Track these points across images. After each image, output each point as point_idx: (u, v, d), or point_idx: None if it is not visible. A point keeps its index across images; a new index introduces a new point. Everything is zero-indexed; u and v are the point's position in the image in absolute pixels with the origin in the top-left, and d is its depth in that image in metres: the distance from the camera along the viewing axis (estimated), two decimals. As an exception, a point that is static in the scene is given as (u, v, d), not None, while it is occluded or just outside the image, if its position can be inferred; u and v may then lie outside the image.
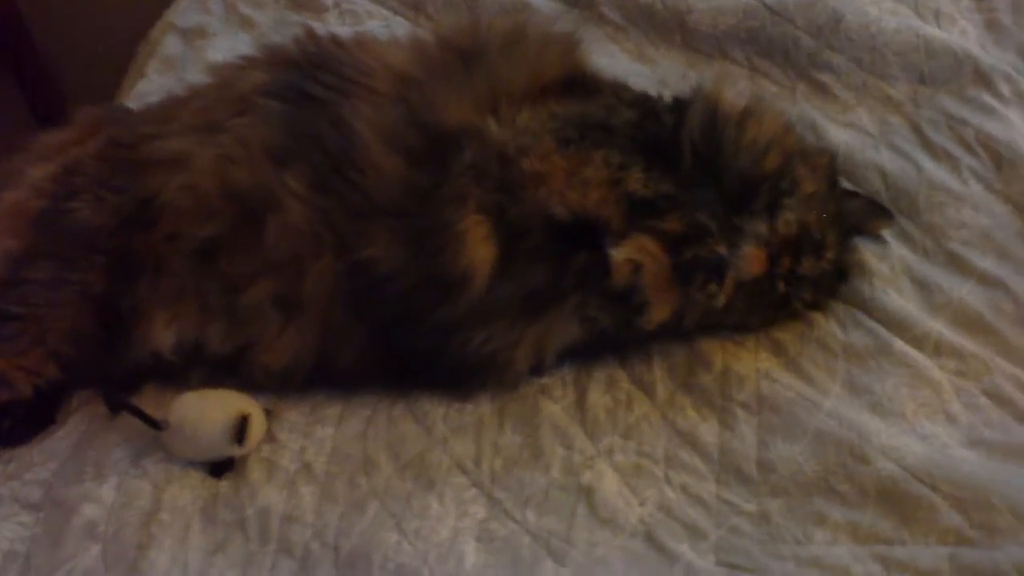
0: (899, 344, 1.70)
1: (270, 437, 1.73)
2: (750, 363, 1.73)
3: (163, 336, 1.76)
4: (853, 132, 2.02)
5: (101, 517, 1.65)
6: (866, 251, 1.83)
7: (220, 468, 1.70)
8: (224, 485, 1.68)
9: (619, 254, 1.60)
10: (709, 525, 1.56)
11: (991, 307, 1.74)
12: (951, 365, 1.68)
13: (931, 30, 2.14)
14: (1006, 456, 1.56)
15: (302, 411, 1.77)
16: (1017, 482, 1.51)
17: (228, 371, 1.76)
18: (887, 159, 1.95)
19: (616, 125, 1.73)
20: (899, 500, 1.53)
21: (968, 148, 1.93)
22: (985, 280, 1.77)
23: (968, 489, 1.51)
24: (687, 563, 1.52)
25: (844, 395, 1.66)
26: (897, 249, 1.83)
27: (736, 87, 2.11)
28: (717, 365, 1.73)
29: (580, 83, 1.83)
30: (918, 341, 1.71)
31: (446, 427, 1.72)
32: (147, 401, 1.76)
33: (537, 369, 1.73)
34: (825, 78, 2.12)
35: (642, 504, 1.59)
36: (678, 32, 2.29)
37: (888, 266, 1.81)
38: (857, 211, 1.82)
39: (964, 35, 2.17)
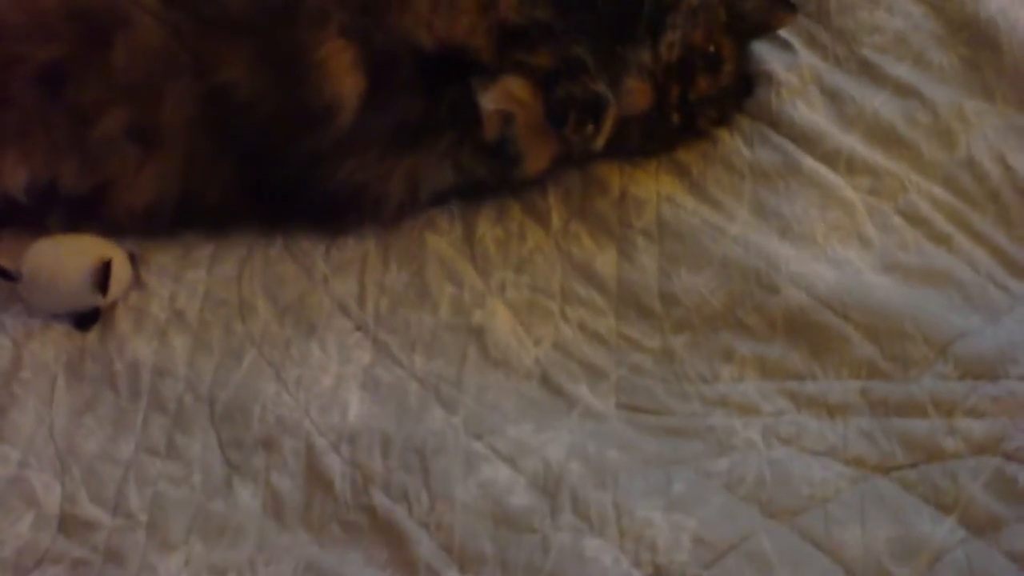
0: (809, 161, 1.61)
1: (138, 283, 1.63)
2: (650, 186, 1.63)
3: (13, 176, 1.63)
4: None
5: (-43, 376, 1.54)
6: (773, 60, 1.71)
7: (84, 320, 1.59)
8: (90, 338, 1.58)
9: (488, 103, 1.51)
10: (609, 364, 1.49)
11: (906, 119, 1.64)
12: (864, 183, 1.59)
13: None
14: (921, 280, 1.50)
15: (172, 254, 1.66)
16: (932, 308, 1.46)
17: (88, 214, 1.64)
18: (794, -45, 1.81)
19: None
20: (809, 331, 1.46)
21: (881, -58, 1.80)
22: (900, 89, 1.66)
23: (881, 317, 1.45)
24: (585, 406, 1.46)
25: (751, 219, 1.58)
26: (806, 57, 1.72)
27: None
28: (614, 189, 1.64)
29: None
30: (829, 158, 1.61)
31: (327, 266, 1.62)
32: (5, 249, 1.64)
33: (411, 205, 1.63)
34: None
35: (537, 343, 1.52)
36: None
37: (797, 76, 1.70)
38: (755, 10, 1.70)
39: None
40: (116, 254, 1.59)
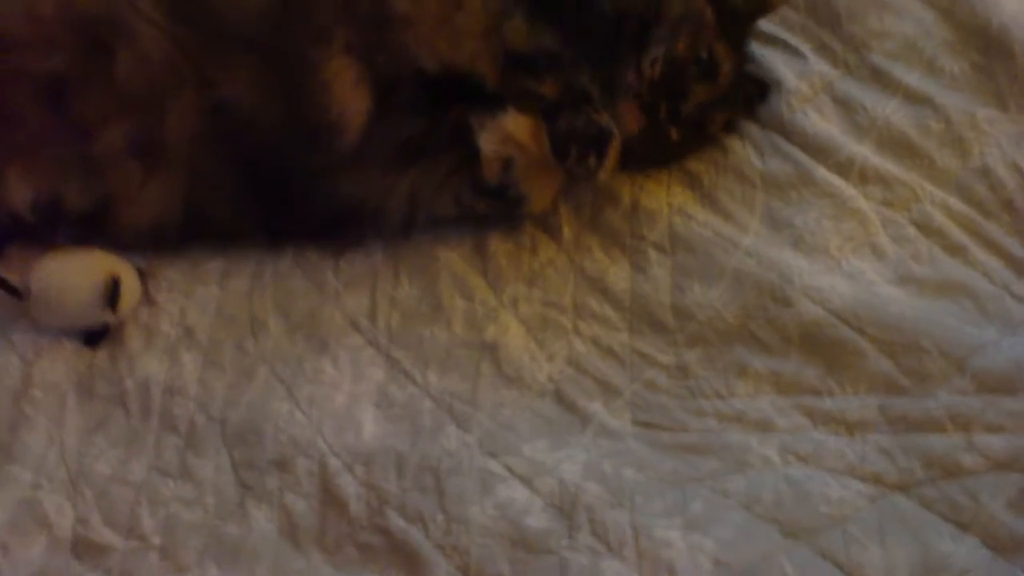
0: (821, 171, 1.60)
1: (148, 299, 1.61)
2: (661, 197, 1.62)
3: (18, 193, 1.61)
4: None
5: (-34, 397, 1.53)
6: (783, 68, 1.70)
7: (94, 336, 1.58)
8: (100, 355, 1.57)
9: (487, 145, 1.49)
10: (623, 380, 1.48)
11: (918, 127, 1.63)
12: (877, 194, 1.58)
13: None
14: (936, 292, 1.49)
15: (181, 269, 1.64)
16: (948, 320, 1.45)
17: (94, 230, 1.62)
18: (802, -41, 1.80)
19: None
20: (825, 346, 1.45)
21: (890, -54, 1.78)
22: (911, 96, 1.65)
23: (897, 331, 1.44)
24: (600, 423, 1.45)
25: (763, 231, 1.57)
26: (816, 64, 1.70)
27: None
28: (625, 201, 1.62)
29: None
30: (841, 167, 1.60)
31: (338, 281, 1.61)
32: (14, 266, 1.62)
33: (413, 221, 1.62)
34: None
35: (550, 359, 1.51)
36: None
37: (807, 84, 1.69)
38: (748, 1, 1.68)
39: None
40: (125, 269, 1.58)
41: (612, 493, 1.37)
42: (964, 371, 1.40)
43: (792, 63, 1.71)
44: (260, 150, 1.58)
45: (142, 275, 1.61)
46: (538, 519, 1.36)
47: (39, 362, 1.56)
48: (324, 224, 1.63)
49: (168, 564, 1.39)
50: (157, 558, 1.39)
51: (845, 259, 1.53)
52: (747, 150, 1.64)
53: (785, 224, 1.57)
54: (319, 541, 1.39)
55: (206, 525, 1.41)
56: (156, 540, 1.41)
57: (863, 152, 1.61)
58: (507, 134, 1.49)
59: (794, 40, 1.73)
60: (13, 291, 1.56)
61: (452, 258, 1.61)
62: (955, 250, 1.52)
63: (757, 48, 1.72)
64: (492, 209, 1.59)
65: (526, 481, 1.40)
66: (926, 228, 1.54)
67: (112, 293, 1.54)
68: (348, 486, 1.41)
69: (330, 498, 1.41)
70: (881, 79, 1.67)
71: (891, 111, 1.64)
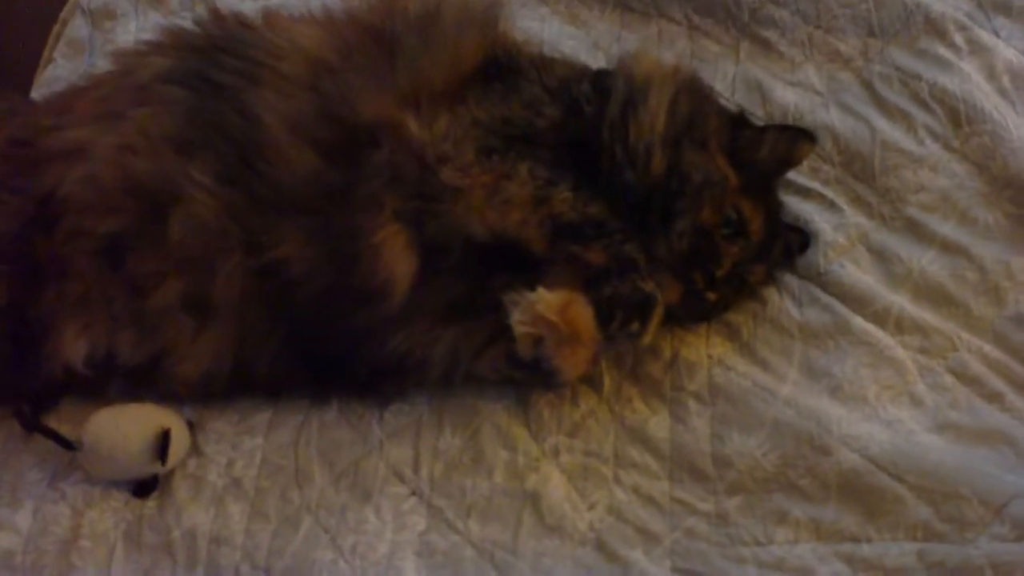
0: (858, 321, 1.62)
1: (196, 451, 1.64)
2: (701, 349, 1.64)
3: (73, 348, 1.65)
4: (801, 91, 1.92)
5: (18, 546, 1.55)
6: (819, 220, 1.74)
7: (144, 488, 1.60)
8: (149, 506, 1.58)
9: (518, 325, 1.50)
10: (663, 528, 1.48)
11: (954, 277, 1.65)
12: (914, 342, 1.60)
13: (878, -23, 2.03)
14: (974, 440, 1.49)
15: (229, 420, 1.67)
16: (986, 468, 1.44)
17: (145, 383, 1.67)
18: (838, 119, 1.85)
19: (540, 129, 1.63)
20: (863, 493, 1.45)
21: (923, 104, 1.82)
22: (947, 247, 1.68)
23: (936, 479, 1.44)
24: (641, 570, 1.44)
25: (802, 380, 1.58)
26: (852, 216, 1.74)
27: (674, 48, 2.02)
28: (666, 353, 1.64)
29: (502, 64, 1.72)
30: (878, 317, 1.62)
31: (382, 431, 1.63)
32: (66, 417, 1.67)
33: (450, 377, 1.64)
34: (769, 34, 2.01)
35: (591, 508, 1.51)
36: (611, -10, 2.17)
37: (844, 235, 1.72)
38: (771, 153, 1.70)
39: (913, -19, 2.06)
40: (174, 422, 1.60)
41: (654, 643, 1.36)
42: (1003, 518, 1.39)
43: (828, 216, 1.75)
44: (307, 309, 1.61)
45: (191, 427, 1.64)
46: (579, 668, 1.35)
47: (89, 512, 1.57)
48: (368, 378, 1.65)
49: None
50: None
51: (883, 407, 1.54)
52: (785, 301, 1.67)
53: (823, 373, 1.58)
54: None
55: (250, 674, 1.41)
56: None
57: (899, 302, 1.63)
58: (538, 314, 1.49)
59: (830, 193, 1.78)
60: (67, 444, 1.58)
61: (495, 409, 1.62)
62: (992, 397, 1.53)
63: (793, 201, 1.76)
64: (528, 379, 1.60)
65: (568, 630, 1.39)
66: (963, 376, 1.55)
67: (162, 445, 1.57)
68: (391, 635, 1.41)
69: (375, 646, 1.41)
70: (916, 230, 1.71)
71: (927, 262, 1.67)
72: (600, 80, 1.72)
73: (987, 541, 1.38)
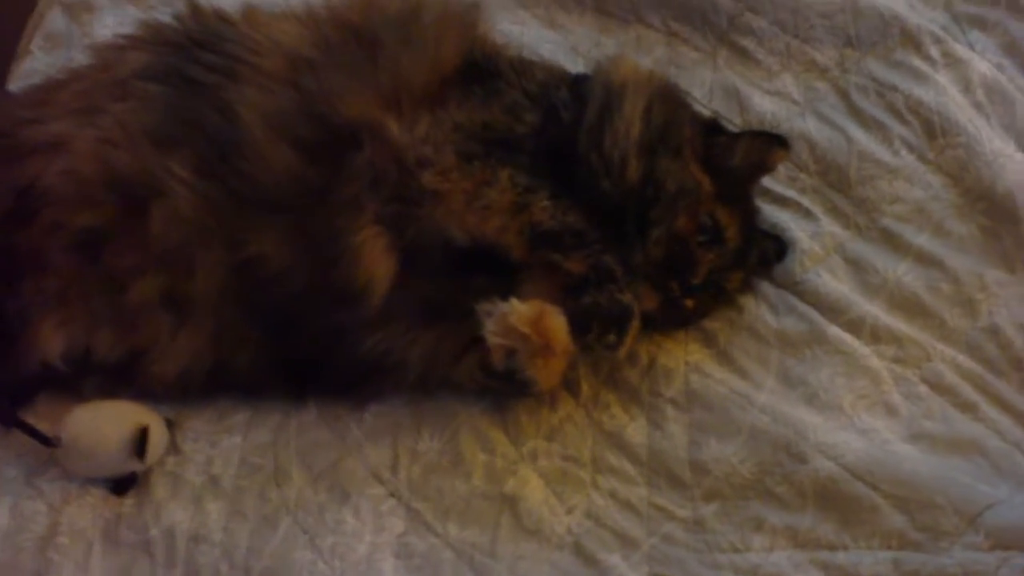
0: (834, 330, 1.64)
1: (174, 448, 1.64)
2: (678, 355, 1.66)
3: (51, 343, 1.66)
4: (778, 100, 1.94)
5: (-6, 543, 1.55)
6: (796, 228, 1.76)
7: (122, 485, 1.60)
8: (127, 503, 1.59)
9: (491, 336, 1.50)
10: (641, 533, 1.50)
11: (928, 288, 1.67)
12: (889, 352, 1.62)
13: (857, -10, 2.05)
14: (948, 449, 1.51)
15: (207, 419, 1.68)
16: (960, 478, 1.47)
17: (123, 380, 1.67)
18: (814, 128, 1.87)
19: (520, 135, 1.64)
20: (839, 501, 1.48)
21: (898, 116, 1.84)
22: (921, 258, 1.70)
23: (910, 488, 1.46)
24: (619, 575, 1.46)
25: (778, 388, 1.60)
26: (828, 226, 1.76)
27: (652, 54, 2.03)
28: (643, 359, 1.66)
29: (482, 67, 1.73)
30: (853, 326, 1.64)
31: (360, 433, 1.64)
32: (43, 414, 1.66)
33: (427, 380, 1.65)
34: (747, 43, 2.02)
35: (569, 512, 1.53)
36: (590, -5, 2.18)
37: (820, 244, 1.74)
38: (744, 160, 1.72)
39: (891, -7, 2.08)
40: (153, 420, 1.61)
41: (630, 649, 1.38)
42: (978, 528, 1.41)
43: (804, 224, 1.77)
44: (285, 307, 1.62)
45: (169, 425, 1.64)
46: (557, 672, 1.37)
47: (66, 509, 1.57)
48: (345, 378, 1.66)
49: None
50: None
51: (858, 416, 1.56)
52: (761, 308, 1.69)
53: (799, 381, 1.60)
54: None
55: (228, 673, 1.42)
56: None
57: (874, 311, 1.65)
58: (510, 326, 1.50)
59: (806, 202, 1.80)
60: (44, 440, 1.58)
61: (473, 413, 1.63)
62: (966, 407, 1.55)
63: (770, 210, 1.78)
64: (502, 388, 1.61)
65: (545, 634, 1.40)
66: (937, 386, 1.58)
67: (140, 442, 1.57)
68: (369, 636, 1.42)
69: (351, 648, 1.42)
70: (892, 241, 1.73)
71: (902, 272, 1.69)
72: (578, 86, 1.73)
73: (961, 550, 1.40)
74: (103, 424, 1.59)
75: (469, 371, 1.63)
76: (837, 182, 1.80)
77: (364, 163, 1.59)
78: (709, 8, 2.05)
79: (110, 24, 2.20)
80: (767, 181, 1.81)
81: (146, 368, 1.66)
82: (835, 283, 1.69)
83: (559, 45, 2.07)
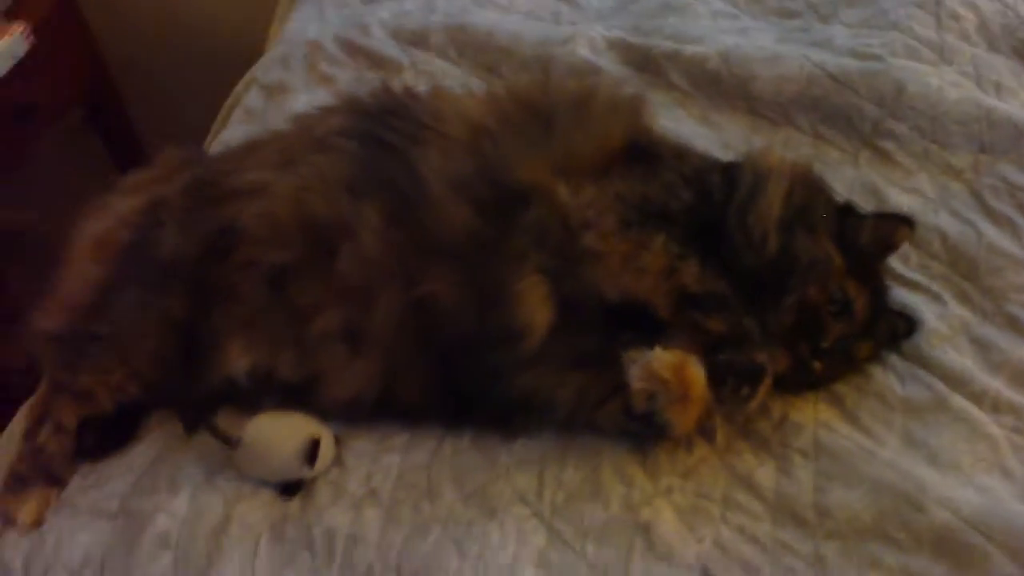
0: (957, 399, 1.73)
1: (338, 462, 1.78)
2: (808, 413, 1.76)
3: (237, 363, 1.83)
4: (914, 196, 2.07)
5: (174, 528, 1.70)
6: (925, 310, 1.87)
7: (289, 489, 1.74)
8: (292, 505, 1.73)
9: (634, 381, 1.63)
10: (764, 563, 1.59)
11: (1048, 367, 1.76)
12: (1008, 422, 1.71)
13: (992, 101, 2.20)
14: (1061, 511, 1.59)
15: (370, 439, 1.81)
16: (1071, 536, 1.54)
17: (298, 400, 1.82)
18: (947, 223, 2.00)
19: (674, 209, 1.77)
20: (954, 548, 1.55)
21: (1028, 214, 1.96)
22: (1044, 342, 1.79)
23: (1022, 540, 1.53)
24: (743, 600, 1.55)
25: (901, 447, 1.69)
26: (956, 309, 1.87)
27: (798, 152, 2.19)
28: (775, 413, 1.76)
29: (644, 150, 1.88)
30: (975, 397, 1.74)
31: (510, 460, 1.75)
32: (220, 424, 1.83)
33: (573, 419, 1.76)
34: (888, 145, 2.17)
35: (699, 541, 1.62)
36: (742, 99, 2.35)
37: (947, 325, 1.84)
38: (872, 238, 1.83)
39: (1024, 107, 2.22)
40: (324, 433, 1.75)
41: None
42: (1083, 580, 1.48)
43: (933, 306, 1.88)
44: (452, 345, 1.76)
45: (337, 440, 1.79)
46: None
47: (239, 505, 1.72)
48: (499, 411, 1.78)
49: None
50: None
51: (976, 476, 1.64)
52: (889, 377, 1.79)
53: (921, 444, 1.69)
54: None
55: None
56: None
57: (996, 385, 1.75)
58: (652, 372, 1.62)
59: (936, 287, 1.91)
60: (227, 440, 1.75)
61: (616, 451, 1.74)
62: (1080, 475, 1.63)
63: (902, 292, 1.90)
64: (641, 430, 1.72)
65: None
66: (1054, 455, 1.66)
67: (312, 452, 1.72)
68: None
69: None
70: (1016, 326, 1.83)
71: (1024, 352, 1.79)
72: (729, 171, 1.88)
73: (1067, 598, 1.47)
74: (280, 431, 1.75)
75: (612, 415, 1.74)
76: (966, 271, 1.92)
77: (532, 221, 1.74)
78: (855, 114, 2.22)
79: (303, 102, 2.42)
80: (900, 267, 1.94)
81: (321, 391, 1.82)
82: (960, 358, 1.79)
83: (712, 141, 2.23)
